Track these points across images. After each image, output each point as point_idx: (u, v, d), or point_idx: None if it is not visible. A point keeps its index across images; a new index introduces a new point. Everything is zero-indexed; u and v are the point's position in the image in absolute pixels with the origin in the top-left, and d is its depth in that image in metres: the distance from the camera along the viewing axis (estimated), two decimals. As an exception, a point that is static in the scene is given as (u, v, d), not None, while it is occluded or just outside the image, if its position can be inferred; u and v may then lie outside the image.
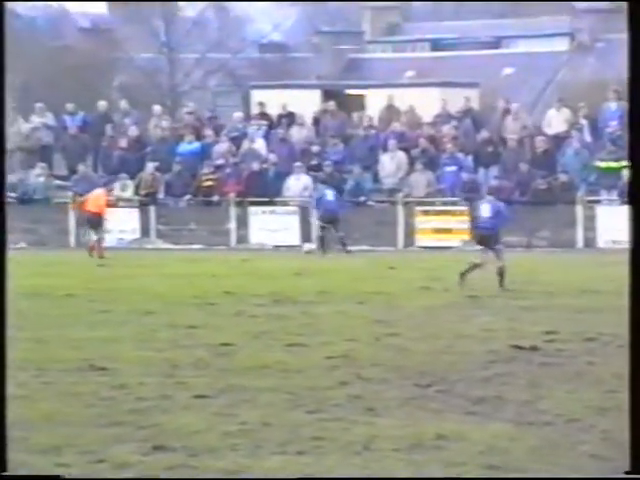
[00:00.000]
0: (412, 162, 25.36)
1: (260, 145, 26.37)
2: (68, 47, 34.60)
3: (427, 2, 41.67)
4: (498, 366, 9.50)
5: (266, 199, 25.03)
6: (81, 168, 26.04)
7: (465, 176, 24.78)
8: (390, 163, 25.55)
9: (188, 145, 26.37)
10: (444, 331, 11.46)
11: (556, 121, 25.68)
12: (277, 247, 24.14)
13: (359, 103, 27.58)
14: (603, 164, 24.22)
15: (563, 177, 24.22)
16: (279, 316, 12.63)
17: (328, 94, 27.92)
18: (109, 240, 23.14)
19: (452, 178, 24.80)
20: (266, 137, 26.54)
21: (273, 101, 27.07)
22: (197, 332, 11.44)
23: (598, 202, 23.88)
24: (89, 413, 7.72)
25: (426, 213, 24.47)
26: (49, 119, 27.22)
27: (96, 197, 22.60)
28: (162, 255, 22.30)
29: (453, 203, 24.57)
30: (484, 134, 25.48)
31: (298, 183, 25.19)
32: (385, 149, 25.74)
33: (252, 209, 24.99)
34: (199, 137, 26.59)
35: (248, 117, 27.46)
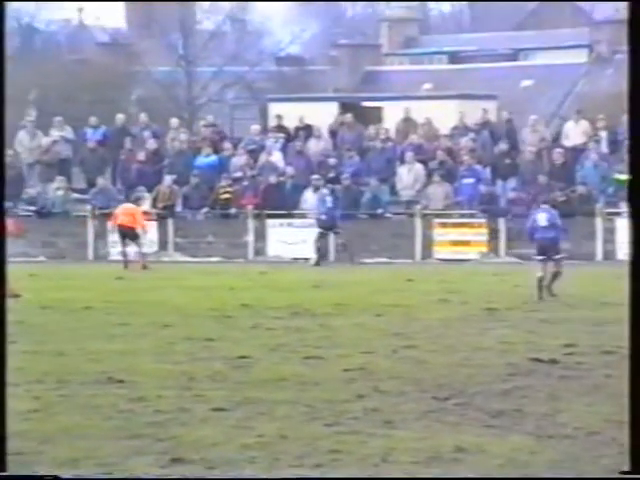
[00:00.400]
0: (429, 174, 25.35)
1: (277, 158, 26.41)
2: (87, 61, 34.79)
3: (444, 15, 41.70)
4: (517, 379, 9.45)
5: (283, 212, 25.05)
6: (100, 181, 26.15)
7: (483, 188, 24.74)
8: (408, 175, 25.54)
9: (205, 158, 26.44)
10: (462, 344, 11.41)
11: (574, 133, 25.61)
12: (294, 260, 24.14)
13: (376, 115, 27.61)
14: (622, 176, 24.13)
15: (582, 189, 24.13)
16: (296, 329, 12.61)
17: (345, 107, 27.96)
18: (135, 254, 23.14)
19: (470, 190, 24.75)
20: (283, 150, 26.58)
21: (290, 114, 27.12)
22: (214, 345, 11.44)
23: (617, 214, 23.78)
24: (108, 426, 7.72)
25: (444, 225, 24.43)
26: (68, 133, 27.35)
27: (128, 211, 22.69)
28: (180, 268, 22.33)
29: (471, 215, 24.52)
30: (502, 146, 25.44)
31: (315, 196, 25.20)
32: (402, 161, 25.73)
33: (269, 222, 25.01)
34: (216, 150, 26.66)
35: (265, 130, 27.52)
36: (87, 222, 25.45)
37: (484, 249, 23.57)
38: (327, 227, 23.42)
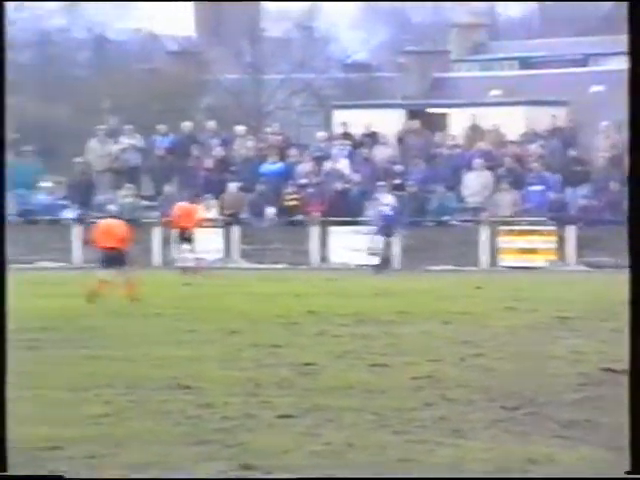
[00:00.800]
0: (497, 181, 25.13)
1: (343, 165, 26.41)
2: (156, 70, 35.15)
3: (513, 21, 41.35)
4: (588, 389, 9.30)
5: (349, 219, 25.03)
6: (167, 189, 26.39)
7: (552, 195, 24.45)
8: (475, 182, 25.35)
9: (271, 165, 26.54)
10: (531, 352, 11.28)
11: (646, 139, 25.17)
12: (360, 266, 24.10)
13: (442, 122, 27.47)
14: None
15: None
16: (362, 336, 12.57)
17: (412, 113, 27.87)
18: (192, 259, 23.32)
19: (538, 197, 24.49)
20: (349, 157, 26.57)
21: (356, 121, 27.10)
22: (281, 351, 11.45)
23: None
24: (177, 431, 7.77)
25: (511, 233, 24.19)
26: (138, 141, 27.66)
27: (188, 211, 22.81)
28: (246, 274, 22.43)
29: (539, 223, 24.25)
30: (572, 152, 25.12)
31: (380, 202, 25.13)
32: (469, 168, 25.55)
33: (335, 229, 25.01)
34: (283, 157, 26.74)
35: (332, 137, 27.54)
36: (153, 229, 25.67)
37: (552, 257, 23.27)
38: (385, 233, 23.26)
